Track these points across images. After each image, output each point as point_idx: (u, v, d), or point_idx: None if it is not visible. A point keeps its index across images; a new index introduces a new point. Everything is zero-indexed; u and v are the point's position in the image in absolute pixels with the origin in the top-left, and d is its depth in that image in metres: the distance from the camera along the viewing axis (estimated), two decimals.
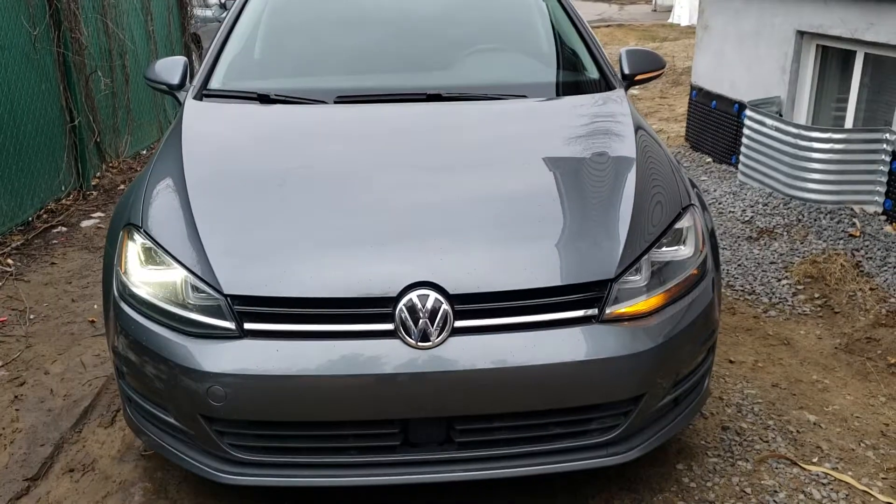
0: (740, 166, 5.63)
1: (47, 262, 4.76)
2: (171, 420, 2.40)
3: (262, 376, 2.22)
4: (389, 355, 2.22)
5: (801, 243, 4.65)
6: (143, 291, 2.41)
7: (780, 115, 5.51)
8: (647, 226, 2.50)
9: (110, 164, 6.66)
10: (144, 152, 7.45)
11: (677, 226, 2.55)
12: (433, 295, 2.24)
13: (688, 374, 2.56)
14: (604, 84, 3.42)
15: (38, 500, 2.72)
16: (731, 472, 2.84)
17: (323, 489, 2.53)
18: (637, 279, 2.41)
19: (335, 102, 3.18)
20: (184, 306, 2.33)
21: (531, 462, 2.37)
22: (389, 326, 2.24)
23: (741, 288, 4.29)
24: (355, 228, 2.43)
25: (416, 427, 2.33)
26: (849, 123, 5.20)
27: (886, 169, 4.74)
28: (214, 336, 2.28)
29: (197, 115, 3.10)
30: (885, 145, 4.71)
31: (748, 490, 2.74)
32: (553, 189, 2.61)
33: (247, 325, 2.26)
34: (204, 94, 3.27)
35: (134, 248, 2.48)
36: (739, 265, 4.53)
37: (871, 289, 4.16)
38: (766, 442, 3.00)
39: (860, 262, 4.41)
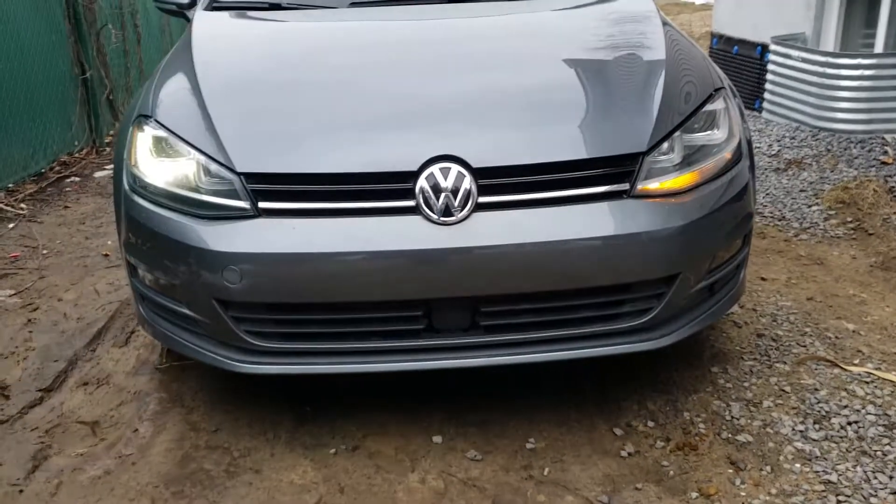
0: (765, 104, 5.48)
1: (60, 205, 4.70)
2: (186, 311, 2.31)
3: (279, 255, 2.13)
4: (410, 232, 2.12)
5: (832, 172, 4.50)
6: (155, 181, 2.32)
7: None
8: (678, 104, 2.38)
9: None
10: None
11: (709, 107, 2.43)
12: (455, 168, 2.13)
13: (723, 262, 2.44)
14: None
15: (51, 409, 2.65)
16: (769, 373, 2.72)
17: (344, 376, 2.42)
18: (670, 157, 2.30)
19: (350, 6, 3.08)
20: (197, 190, 2.25)
21: (559, 347, 2.27)
22: (410, 202, 2.14)
23: (770, 215, 4.15)
24: (374, 110, 2.33)
25: (440, 312, 2.23)
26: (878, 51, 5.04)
27: None
28: (229, 217, 2.18)
29: (208, 23, 3.00)
30: None
31: (787, 389, 2.62)
32: (581, 75, 2.50)
33: (262, 204, 2.17)
34: (214, 5, 3.17)
35: (144, 139, 2.40)
36: (767, 194, 4.39)
37: None
38: (804, 347, 2.88)
39: (893, 187, 4.26)
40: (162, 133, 2.36)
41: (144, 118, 2.44)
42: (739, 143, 2.49)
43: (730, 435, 2.43)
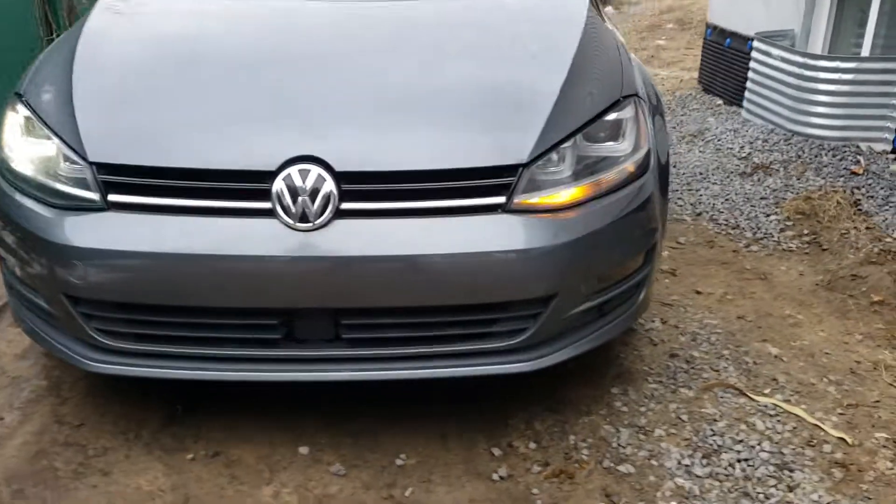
0: (745, 102, 5.27)
1: None
2: (42, 303, 2.21)
3: (126, 253, 2.02)
4: (265, 236, 2.00)
5: (798, 179, 4.30)
6: (18, 165, 2.21)
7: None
8: (575, 112, 2.22)
9: None
10: None
11: (613, 116, 2.27)
12: (316, 171, 2.00)
13: (616, 281, 2.29)
14: None
15: None
16: (671, 398, 2.58)
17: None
18: (559, 169, 2.15)
19: None
20: (55, 178, 2.13)
21: (427, 365, 2.15)
22: (267, 205, 2.01)
23: (724, 222, 3.98)
24: (243, 104, 2.19)
25: (301, 321, 2.11)
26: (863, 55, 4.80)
27: None
28: (79, 208, 2.07)
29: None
30: None
31: (685, 417, 2.48)
32: (473, 75, 2.32)
33: (111, 197, 2.05)
34: None
35: (14, 119, 2.28)
36: (727, 199, 4.20)
37: (867, 227, 3.82)
38: (717, 371, 2.73)
39: (859, 200, 4.06)
40: (29, 114, 2.24)
41: (17, 97, 2.33)
42: (647, 156, 2.32)
43: (612, 464, 2.30)
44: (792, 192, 4.19)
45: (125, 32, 2.59)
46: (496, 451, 2.35)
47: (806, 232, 3.85)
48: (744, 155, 4.71)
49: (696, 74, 7.02)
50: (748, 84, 5.18)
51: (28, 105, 2.26)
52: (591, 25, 2.62)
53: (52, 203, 2.10)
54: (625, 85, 2.39)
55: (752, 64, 5.12)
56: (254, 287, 2.03)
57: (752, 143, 4.82)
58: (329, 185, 1.99)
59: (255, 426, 2.41)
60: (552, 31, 2.56)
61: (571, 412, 2.51)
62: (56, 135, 2.13)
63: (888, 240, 3.68)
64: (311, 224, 1.99)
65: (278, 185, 1.99)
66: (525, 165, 2.07)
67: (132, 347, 2.14)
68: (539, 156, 2.09)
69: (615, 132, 2.28)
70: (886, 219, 3.87)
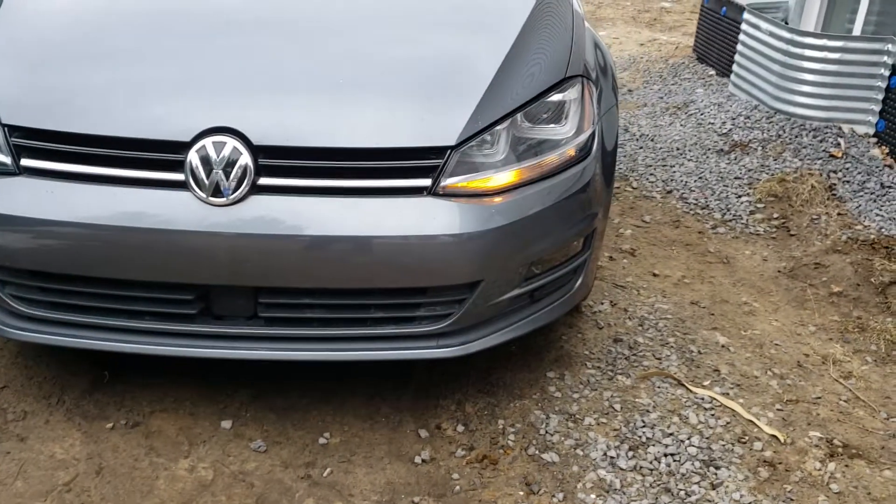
0: (732, 76, 5.13)
1: None
2: None
3: (38, 220, 1.96)
4: (177, 209, 1.94)
5: (775, 160, 4.20)
6: None
7: (786, 23, 4.95)
8: (514, 91, 2.13)
9: None
10: None
11: (553, 97, 2.18)
12: (232, 143, 1.93)
13: (550, 267, 2.23)
14: None
15: None
16: (606, 386, 2.53)
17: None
18: (491, 152, 2.07)
19: None
20: None
21: (349, 347, 2.10)
22: (180, 176, 1.94)
23: (694, 201, 3.89)
24: (156, 68, 2.11)
25: (217, 296, 2.06)
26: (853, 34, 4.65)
27: (884, 85, 4.22)
28: None
29: None
30: (885, 57, 4.18)
31: (617, 406, 2.44)
32: (406, 48, 2.23)
33: (24, 162, 1.98)
34: None
35: None
36: (700, 177, 4.11)
37: (839, 214, 3.74)
38: (658, 359, 2.69)
39: (834, 184, 3.97)
40: None
41: None
42: (590, 139, 2.24)
43: (536, 451, 2.27)
44: (767, 173, 4.10)
45: None
46: (423, 433, 2.32)
47: (776, 216, 3.77)
48: (724, 131, 4.60)
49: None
50: (736, 57, 5.04)
51: None
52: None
53: None
54: (571, 64, 2.29)
55: (741, 36, 4.97)
56: (166, 261, 1.98)
57: (734, 118, 4.70)
58: (245, 159, 1.92)
59: (182, 397, 2.38)
60: (502, 2, 2.45)
61: (504, 395, 2.47)
62: None
63: (858, 227, 3.60)
64: (224, 199, 1.92)
65: (192, 156, 1.92)
66: (454, 148, 2.00)
67: (49, 315, 2.10)
68: (469, 137, 2.01)
69: (557, 114, 2.19)
70: (860, 205, 3.79)
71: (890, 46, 4.15)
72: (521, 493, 2.14)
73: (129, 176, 1.95)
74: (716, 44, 6.19)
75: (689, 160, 4.31)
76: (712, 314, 3.00)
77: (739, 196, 3.94)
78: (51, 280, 2.06)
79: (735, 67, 5.07)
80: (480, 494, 2.14)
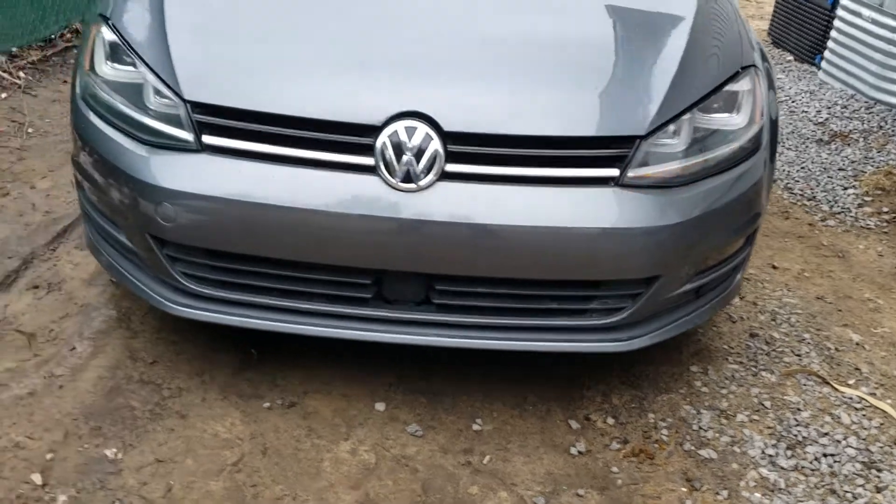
0: (824, 63, 5.02)
1: (60, 79, 4.49)
2: (124, 240, 2.14)
3: (219, 199, 1.93)
4: (365, 193, 1.90)
5: (879, 152, 4.13)
6: (103, 92, 2.11)
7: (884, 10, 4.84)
8: (695, 81, 2.08)
9: None
10: None
11: (731, 87, 2.13)
12: (423, 129, 1.89)
13: (716, 263, 2.20)
14: None
15: None
16: (752, 382, 2.51)
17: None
18: (673, 142, 2.02)
19: None
20: (145, 111, 2.03)
21: (518, 337, 2.08)
22: (369, 160, 1.91)
23: (800, 192, 3.83)
24: (344, 47, 2.06)
25: (391, 281, 2.04)
26: None
27: None
28: (171, 147, 1.98)
29: None
30: None
31: (767, 404, 2.42)
32: (590, 34, 2.19)
33: (206, 139, 1.95)
34: None
35: (99, 43, 2.17)
36: (803, 168, 4.05)
37: None
38: (798, 356, 2.65)
39: None
40: (115, 38, 2.13)
41: (103, 18, 2.20)
42: (760, 132, 2.19)
43: (692, 447, 2.25)
44: (872, 166, 4.03)
45: None
46: (574, 424, 2.30)
47: (885, 210, 3.71)
48: (820, 120, 4.52)
49: (759, 24, 6.72)
50: (829, 44, 4.93)
51: (115, 29, 2.14)
52: None
53: (140, 138, 2.01)
54: (744, 54, 2.24)
55: (836, 23, 4.86)
56: (349, 245, 1.95)
57: (829, 108, 4.62)
58: (436, 145, 1.89)
59: (330, 377, 2.37)
60: None
61: (650, 388, 2.45)
62: (148, 66, 2.02)
63: None
64: (414, 185, 1.89)
65: (383, 141, 1.89)
66: (643, 137, 1.95)
67: (217, 294, 2.08)
68: (658, 128, 1.97)
69: (731, 105, 2.14)
70: None
71: None
72: (684, 489, 2.13)
73: (316, 158, 1.92)
74: (794, 28, 6.06)
75: (788, 149, 4.24)
76: (840, 310, 2.96)
77: (845, 188, 3.87)
78: (225, 259, 2.04)
79: (827, 54, 4.97)
80: (642, 489, 2.12)
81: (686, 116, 2.02)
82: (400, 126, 1.88)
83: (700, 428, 2.31)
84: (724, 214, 2.08)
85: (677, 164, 2.00)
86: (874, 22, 4.45)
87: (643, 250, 1.97)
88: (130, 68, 2.09)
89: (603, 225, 1.92)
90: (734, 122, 2.14)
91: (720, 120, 2.12)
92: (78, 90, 2.20)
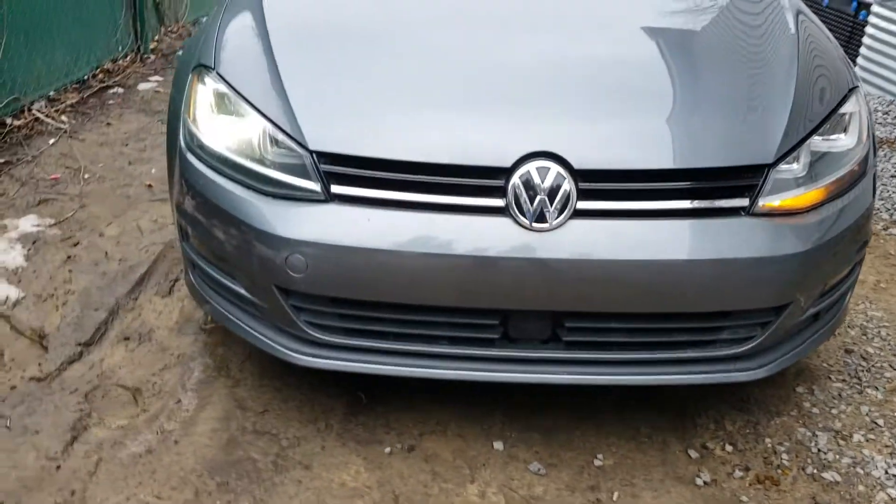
0: (857, 70, 5.05)
1: (103, 122, 4.47)
2: (241, 290, 2.12)
3: (350, 248, 1.91)
4: (498, 235, 1.89)
5: None
6: (214, 143, 2.09)
7: None
8: (811, 106, 2.09)
9: (169, 28, 6.29)
10: (205, 19, 7.05)
11: (843, 109, 2.14)
12: (555, 168, 1.88)
13: (832, 287, 2.19)
14: None
15: (91, 367, 2.51)
16: (860, 400, 2.50)
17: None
18: (795, 168, 2.02)
19: None
20: (261, 162, 2.01)
21: (647, 371, 2.06)
22: (500, 202, 1.90)
23: None
24: (461, 86, 2.06)
25: (517, 320, 2.02)
26: None
27: None
28: (296, 198, 1.96)
29: None
30: None
31: (880, 422, 2.41)
32: (702, 58, 2.20)
33: (334, 188, 1.93)
34: None
35: (205, 93, 2.15)
36: None
37: None
38: None
39: None
40: (224, 89, 2.11)
41: (205, 69, 2.19)
42: (868, 152, 2.20)
43: (815, 471, 2.23)
44: None
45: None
46: (693, 454, 2.28)
47: None
48: None
49: None
50: (862, 51, 4.97)
51: (223, 79, 2.12)
52: (794, 8, 2.46)
53: (263, 190, 1.99)
54: (849, 76, 2.25)
55: (868, 30, 4.90)
56: (480, 286, 1.93)
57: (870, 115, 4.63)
58: (568, 184, 1.88)
59: (442, 417, 2.34)
60: (763, 17, 2.40)
61: (760, 412, 2.44)
62: (265, 116, 2.01)
63: None
64: (547, 225, 1.88)
65: (515, 182, 1.88)
66: (771, 165, 1.95)
67: (342, 341, 2.06)
68: (784, 155, 1.97)
69: (841, 126, 2.15)
70: None
71: None
72: None
73: (445, 202, 1.91)
74: None
75: None
76: None
77: None
78: (350, 306, 2.02)
79: (861, 61, 5.01)
80: None
81: (807, 142, 2.02)
82: (532, 167, 1.87)
83: (819, 450, 2.30)
84: (845, 237, 2.07)
85: (801, 190, 2.00)
86: None
87: (775, 278, 1.96)
88: (240, 118, 2.07)
89: (736, 255, 1.91)
90: (845, 144, 2.14)
91: (832, 142, 2.12)
92: (182, 142, 2.18)
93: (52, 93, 4.62)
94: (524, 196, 1.87)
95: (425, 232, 1.90)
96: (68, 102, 4.59)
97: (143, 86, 5.14)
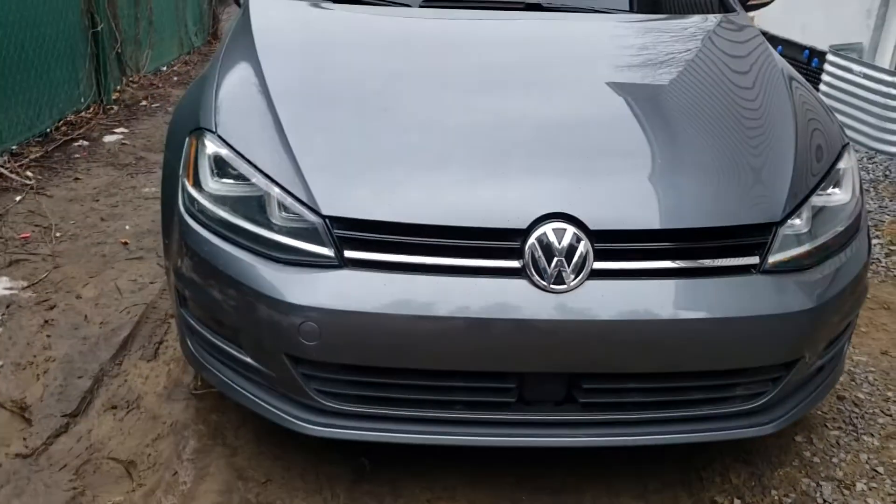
0: None
1: (70, 176, 4.36)
2: (246, 358, 2.05)
3: (365, 314, 1.87)
4: (516, 298, 1.88)
5: (892, 200, 4.30)
6: (216, 208, 2.04)
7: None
8: (811, 163, 2.14)
9: (131, 79, 6.22)
10: (165, 69, 6.99)
11: (839, 165, 2.20)
12: (571, 230, 1.88)
13: (835, 339, 2.23)
14: (719, 5, 3.01)
15: (79, 440, 2.40)
16: (858, 447, 2.53)
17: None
18: (798, 224, 2.06)
19: (420, 6, 2.77)
20: (268, 227, 1.97)
21: (663, 430, 2.06)
22: (516, 264, 1.88)
23: None
24: (473, 146, 2.05)
25: (532, 382, 2.00)
26: None
27: None
28: (308, 264, 1.92)
29: (266, 12, 2.68)
30: None
31: (880, 469, 2.44)
32: (705, 119, 2.24)
33: (348, 253, 1.90)
34: None
35: (206, 156, 2.10)
36: None
37: None
38: (890, 415, 2.69)
39: None
40: (226, 152, 2.07)
41: (205, 131, 2.14)
42: (859, 205, 2.26)
43: None
44: (888, 215, 4.18)
45: (306, 50, 2.43)
46: None
47: None
48: None
49: None
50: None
51: (226, 142, 2.08)
52: (781, 64, 2.54)
53: (273, 256, 1.95)
54: (840, 133, 2.32)
55: (825, 77, 5.09)
56: (497, 349, 1.91)
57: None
58: (585, 245, 1.88)
59: (450, 481, 2.29)
60: (754, 74, 2.46)
61: (763, 463, 2.45)
62: (273, 181, 1.97)
63: None
64: (565, 286, 1.87)
65: (532, 243, 1.87)
66: (778, 223, 1.99)
67: (352, 409, 2.01)
68: (791, 213, 2.01)
69: (837, 182, 2.21)
70: None
71: None
72: None
73: (461, 264, 1.89)
74: None
75: None
76: None
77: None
78: (365, 373, 1.97)
79: None
80: None
81: (810, 199, 2.07)
82: (548, 228, 1.87)
83: (825, 500, 2.31)
84: (849, 291, 2.12)
85: (807, 246, 2.04)
86: (866, 76, 4.69)
87: (787, 334, 1.98)
88: (243, 182, 2.03)
89: (750, 313, 1.93)
90: (840, 199, 2.19)
91: (828, 197, 2.17)
92: (181, 206, 2.13)
93: (14, 146, 4.49)
94: (542, 257, 1.86)
95: (442, 296, 1.87)
96: (32, 157, 4.47)
97: (108, 138, 5.05)
